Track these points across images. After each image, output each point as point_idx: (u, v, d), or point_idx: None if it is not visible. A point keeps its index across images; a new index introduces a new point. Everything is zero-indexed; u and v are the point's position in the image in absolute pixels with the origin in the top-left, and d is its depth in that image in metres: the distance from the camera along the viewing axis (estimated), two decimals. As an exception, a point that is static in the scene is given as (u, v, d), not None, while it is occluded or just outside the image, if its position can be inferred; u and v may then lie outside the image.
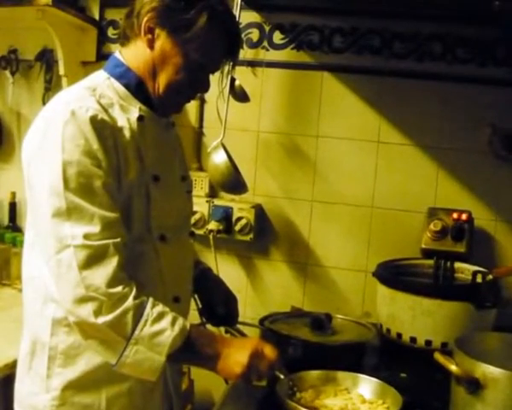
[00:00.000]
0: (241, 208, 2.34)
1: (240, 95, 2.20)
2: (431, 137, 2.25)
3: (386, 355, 1.85)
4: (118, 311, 1.19)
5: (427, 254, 2.12)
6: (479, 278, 1.84)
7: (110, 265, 1.20)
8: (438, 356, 1.34)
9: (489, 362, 1.26)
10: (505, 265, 2.18)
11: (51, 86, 2.48)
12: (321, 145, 2.34)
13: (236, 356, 1.27)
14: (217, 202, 2.38)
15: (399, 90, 2.26)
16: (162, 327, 1.21)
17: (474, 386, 1.26)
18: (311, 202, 2.37)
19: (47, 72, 2.49)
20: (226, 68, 1.98)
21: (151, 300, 1.24)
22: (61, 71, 2.35)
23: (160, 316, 1.22)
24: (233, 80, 2.16)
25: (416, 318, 1.82)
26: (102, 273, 1.20)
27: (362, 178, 2.32)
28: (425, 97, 2.24)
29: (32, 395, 1.36)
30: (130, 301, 1.20)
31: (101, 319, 1.18)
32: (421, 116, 2.25)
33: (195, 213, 2.31)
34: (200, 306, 1.66)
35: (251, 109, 2.34)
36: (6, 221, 2.56)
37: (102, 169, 1.24)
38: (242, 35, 2.24)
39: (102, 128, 1.26)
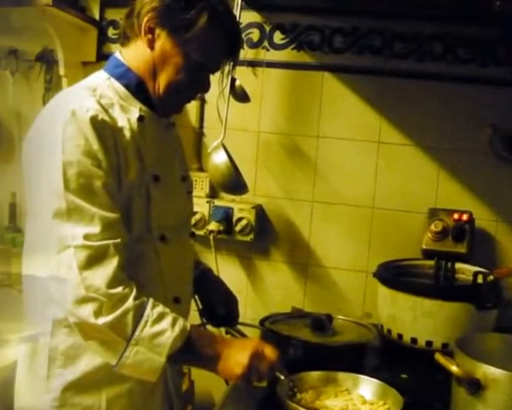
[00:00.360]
0: (241, 209, 2.34)
1: (240, 95, 2.20)
2: (432, 138, 2.25)
3: (386, 356, 1.85)
4: (118, 312, 1.19)
5: (427, 254, 2.12)
6: (479, 279, 1.84)
7: (110, 265, 1.20)
8: (438, 357, 1.34)
9: (490, 363, 1.26)
10: (506, 265, 2.18)
11: (51, 86, 2.48)
12: (321, 145, 2.34)
13: (237, 357, 1.27)
14: (217, 202, 2.38)
15: (400, 91, 2.26)
16: (162, 328, 1.21)
17: (475, 387, 1.26)
18: (312, 203, 2.36)
19: (47, 72, 2.49)
20: (226, 68, 1.98)
21: (151, 300, 1.23)
22: (61, 71, 2.34)
23: (161, 317, 1.22)
24: (233, 80, 2.16)
25: (416, 318, 1.82)
26: (103, 274, 1.19)
27: (362, 179, 2.31)
28: (426, 98, 2.24)
29: (32, 395, 1.35)
30: (130, 302, 1.20)
31: (102, 320, 1.18)
32: (421, 116, 2.25)
33: (196, 213, 2.31)
34: (201, 306, 1.66)
35: (251, 109, 2.34)
36: (6, 222, 2.56)
37: (103, 169, 1.24)
38: (243, 35, 2.23)
39: (103, 128, 1.25)
